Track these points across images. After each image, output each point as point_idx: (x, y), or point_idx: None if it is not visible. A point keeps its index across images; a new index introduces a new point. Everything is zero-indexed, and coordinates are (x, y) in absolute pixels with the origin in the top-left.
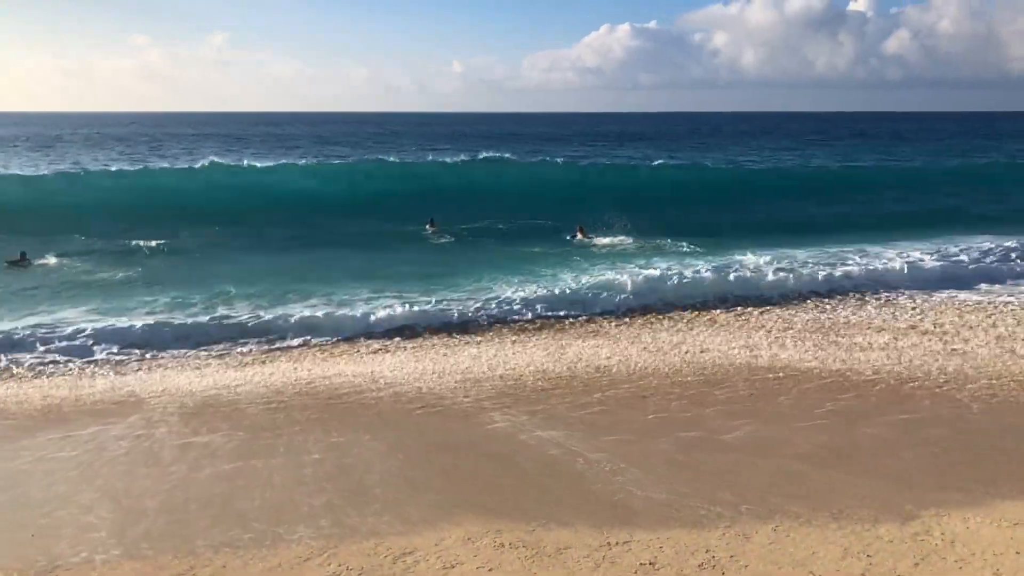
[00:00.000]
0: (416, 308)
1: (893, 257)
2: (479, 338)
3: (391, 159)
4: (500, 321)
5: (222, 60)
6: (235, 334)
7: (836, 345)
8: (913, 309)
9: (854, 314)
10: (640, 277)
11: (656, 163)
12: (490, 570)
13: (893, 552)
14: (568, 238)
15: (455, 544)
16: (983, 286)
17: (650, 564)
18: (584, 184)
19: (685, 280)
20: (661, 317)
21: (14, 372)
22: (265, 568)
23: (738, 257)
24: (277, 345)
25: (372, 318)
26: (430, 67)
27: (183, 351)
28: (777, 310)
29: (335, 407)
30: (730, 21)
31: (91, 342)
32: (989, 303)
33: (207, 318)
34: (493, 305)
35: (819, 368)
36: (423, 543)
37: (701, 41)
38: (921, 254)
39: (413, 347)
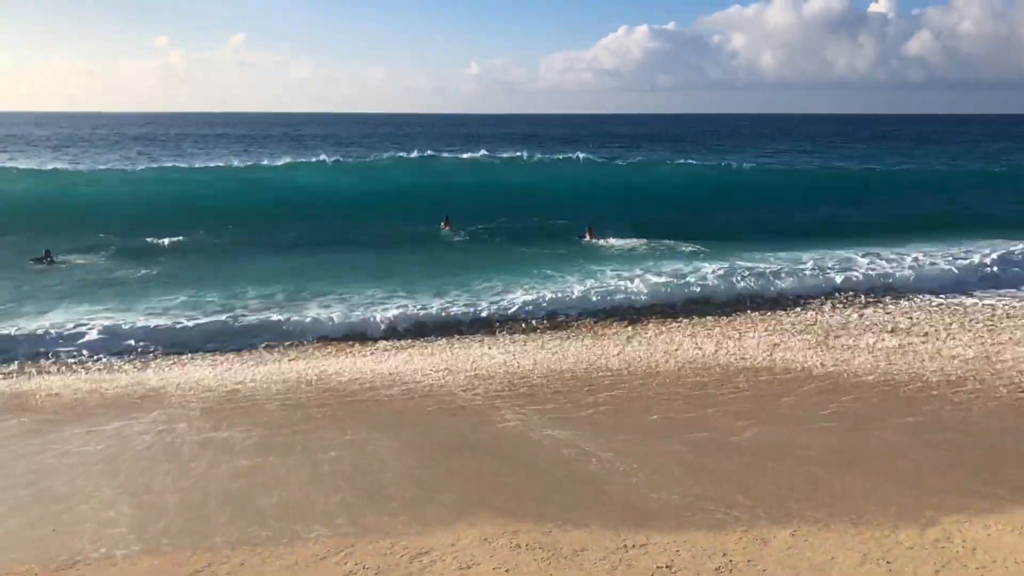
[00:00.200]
0: (429, 308)
1: (903, 260)
2: (489, 337)
3: (411, 155)
4: (510, 321)
5: (239, 61)
6: (252, 332)
7: (838, 348)
8: (918, 312)
9: (859, 316)
10: (647, 279)
11: (677, 162)
12: (507, 571)
13: (913, 558)
14: (578, 239)
15: (471, 544)
16: (991, 290)
17: (667, 567)
18: (598, 183)
19: (691, 282)
20: (665, 319)
21: (42, 367)
22: (282, 566)
23: (746, 259)
24: (293, 343)
25: (385, 317)
26: (447, 68)
27: (201, 348)
28: (781, 312)
29: (350, 404)
30: (749, 23)
31: (113, 339)
32: (989, 306)
33: (225, 316)
34: (503, 305)
35: (819, 369)
36: (439, 543)
37: (719, 43)
38: (933, 258)
39: (425, 346)
